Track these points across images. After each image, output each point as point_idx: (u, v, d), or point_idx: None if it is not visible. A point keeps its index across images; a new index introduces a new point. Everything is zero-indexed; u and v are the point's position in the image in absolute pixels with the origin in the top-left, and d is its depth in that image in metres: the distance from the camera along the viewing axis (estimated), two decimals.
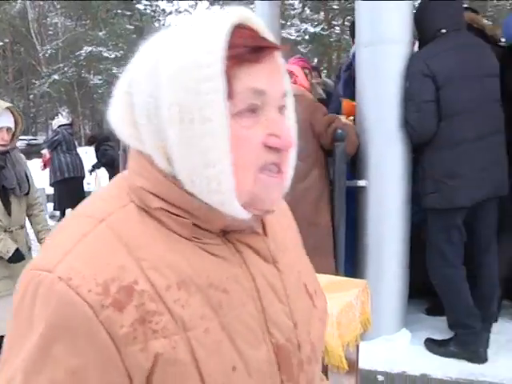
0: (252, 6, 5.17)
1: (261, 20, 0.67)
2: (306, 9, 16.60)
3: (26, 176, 2.93)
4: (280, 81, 0.67)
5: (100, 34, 22.22)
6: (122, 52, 21.86)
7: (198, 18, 0.66)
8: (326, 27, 15.38)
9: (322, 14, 15.93)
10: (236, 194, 0.63)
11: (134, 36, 22.11)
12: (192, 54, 0.62)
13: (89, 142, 9.15)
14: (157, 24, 24.09)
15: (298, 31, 14.28)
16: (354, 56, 3.42)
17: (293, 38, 14.32)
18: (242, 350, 0.66)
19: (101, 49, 22.08)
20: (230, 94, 0.62)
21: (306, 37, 13.96)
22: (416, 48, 3.27)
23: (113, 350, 0.59)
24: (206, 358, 0.63)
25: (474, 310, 2.85)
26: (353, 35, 3.43)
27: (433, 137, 2.75)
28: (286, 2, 16.48)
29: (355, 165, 3.05)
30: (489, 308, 2.95)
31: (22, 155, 3.08)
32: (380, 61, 2.85)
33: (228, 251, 0.69)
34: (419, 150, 2.87)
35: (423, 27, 2.88)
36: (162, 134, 0.63)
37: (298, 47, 15.01)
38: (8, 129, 2.74)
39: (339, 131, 2.70)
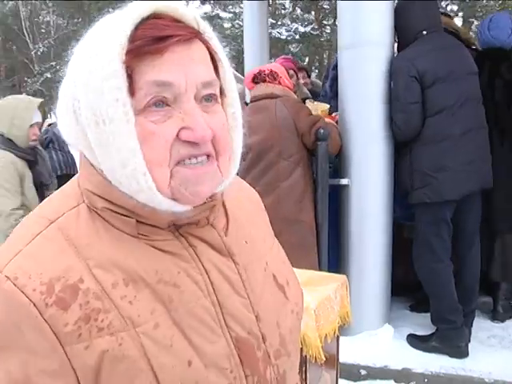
0: (242, 5, 5.21)
1: (179, 6, 0.63)
2: (296, 8, 16.62)
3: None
4: (195, 69, 0.62)
5: None
6: None
7: (113, 14, 0.64)
8: (316, 27, 15.41)
9: (313, 13, 15.96)
10: (157, 190, 0.62)
11: None
12: (97, 53, 0.61)
13: None
14: None
15: (289, 31, 14.30)
16: None
17: (283, 37, 14.34)
18: (197, 344, 0.66)
19: None
20: (133, 90, 0.60)
21: (297, 36, 13.98)
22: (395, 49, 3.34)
23: (58, 347, 0.60)
24: (158, 352, 0.63)
25: (457, 306, 2.91)
26: None
27: (420, 133, 2.82)
28: (277, 1, 16.48)
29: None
30: (471, 301, 3.02)
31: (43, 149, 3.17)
32: (361, 63, 2.90)
33: (179, 246, 0.68)
34: (406, 146, 2.93)
35: (403, 29, 2.94)
36: (86, 136, 0.63)
37: (289, 47, 15.03)
38: (38, 124, 2.83)
39: (322, 131, 2.75)
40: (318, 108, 3.60)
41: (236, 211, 0.78)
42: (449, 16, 3.70)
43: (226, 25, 22.38)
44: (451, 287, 2.91)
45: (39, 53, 24.31)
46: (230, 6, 20.53)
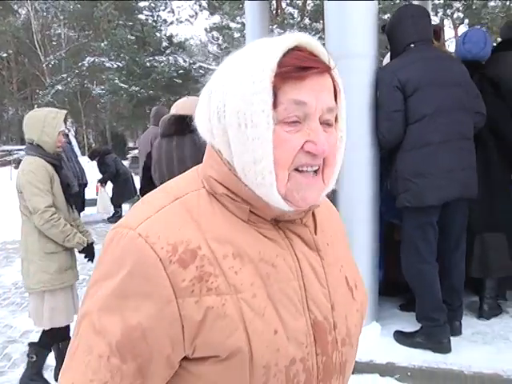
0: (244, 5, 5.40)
1: (318, 44, 0.78)
2: (305, 18, 16.81)
3: None
4: (324, 96, 0.76)
5: (102, 44, 22.44)
6: (123, 62, 22.09)
7: (262, 41, 0.79)
8: (323, 36, 15.59)
9: (321, 22, 16.16)
10: (276, 188, 0.75)
11: (136, 46, 22.35)
12: (250, 71, 0.75)
13: (92, 156, 9.37)
14: (158, 34, 24.28)
15: None
16: None
17: None
18: (284, 317, 0.77)
19: (103, 59, 22.32)
20: (276, 104, 0.74)
21: None
22: (387, 60, 3.51)
23: (173, 298, 0.72)
24: (252, 317, 0.74)
25: (441, 305, 3.05)
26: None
27: (402, 140, 2.97)
28: (286, 11, 16.69)
29: None
30: (458, 298, 3.18)
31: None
32: (347, 74, 3.01)
33: (278, 236, 0.81)
34: (393, 153, 3.07)
35: (394, 42, 3.11)
36: (226, 133, 0.77)
37: None
38: (62, 132, 3.14)
39: None
40: None
41: (323, 219, 0.91)
42: (439, 29, 3.87)
43: (236, 34, 22.59)
44: (436, 287, 3.04)
45: (50, 65, 24.71)
46: (238, 18, 20.74)
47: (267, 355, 0.75)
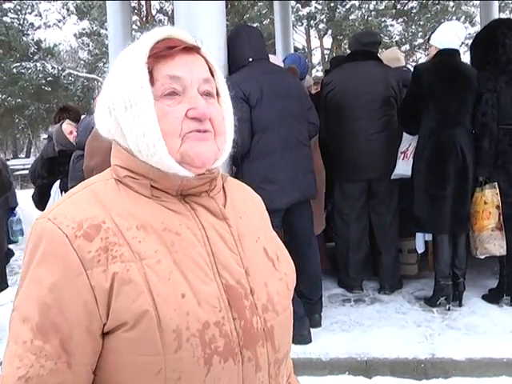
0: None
1: (187, 34, 0.88)
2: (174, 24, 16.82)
3: None
4: (197, 70, 0.85)
5: None
6: None
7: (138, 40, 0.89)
8: None
9: None
10: (168, 154, 0.81)
11: (1, 51, 20.84)
12: (127, 60, 0.85)
13: None
14: (25, 38, 22.81)
15: None
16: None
17: None
18: (192, 282, 0.79)
19: None
20: (153, 82, 0.83)
21: None
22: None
23: (82, 270, 0.76)
24: (157, 282, 0.77)
25: (295, 298, 3.19)
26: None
27: (249, 150, 3.11)
28: (156, 18, 16.54)
29: None
30: (317, 291, 3.40)
31: None
32: None
33: (184, 208, 0.86)
34: (239, 161, 3.22)
35: (233, 56, 3.25)
36: (118, 122, 0.84)
37: None
38: None
39: None
40: None
41: (235, 197, 0.96)
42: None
43: (106, 41, 21.91)
44: None
45: None
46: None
47: (176, 318, 0.76)
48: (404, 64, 4.78)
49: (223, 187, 0.95)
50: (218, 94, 0.91)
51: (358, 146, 3.80)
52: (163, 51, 0.84)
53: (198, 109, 0.82)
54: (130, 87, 0.83)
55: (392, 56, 4.61)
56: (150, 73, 0.83)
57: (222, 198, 0.93)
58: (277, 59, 3.88)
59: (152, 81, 0.83)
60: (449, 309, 3.57)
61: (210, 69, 0.89)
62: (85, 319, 0.76)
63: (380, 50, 4.94)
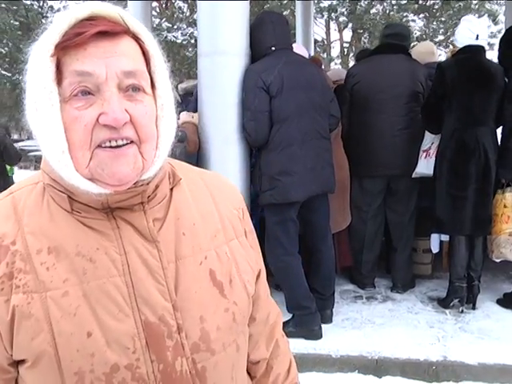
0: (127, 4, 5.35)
1: (119, 10, 0.70)
2: (194, 12, 16.72)
3: None
4: (116, 61, 0.68)
5: None
6: (6, 49, 20.58)
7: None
8: None
9: None
10: (76, 170, 0.68)
11: (20, 33, 20.89)
12: (37, 47, 0.69)
13: None
14: (44, 21, 22.86)
15: (185, 35, 14.37)
16: None
17: (179, 41, 14.40)
18: (102, 318, 0.69)
19: None
20: (60, 80, 0.67)
21: (192, 41, 14.08)
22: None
23: None
24: (60, 318, 0.68)
25: (309, 294, 3.20)
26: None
27: (268, 140, 3.07)
28: (176, 5, 16.48)
29: None
30: (330, 287, 3.36)
31: None
32: (217, 70, 3.10)
33: (108, 226, 0.73)
34: (258, 151, 3.18)
35: (257, 44, 3.19)
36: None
37: (184, 51, 15.09)
38: None
39: (179, 133, 2.90)
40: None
41: (185, 204, 0.81)
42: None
43: None
44: (302, 277, 3.19)
45: None
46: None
47: (79, 360, 0.68)
48: (437, 59, 4.58)
49: (171, 193, 0.81)
50: (153, 86, 0.74)
51: (381, 141, 3.72)
52: (70, 39, 0.66)
53: (109, 114, 0.67)
54: (34, 87, 0.69)
55: (425, 50, 4.46)
56: (59, 68, 0.68)
57: (164, 209, 0.78)
58: (301, 48, 3.79)
59: (60, 78, 0.68)
60: (462, 311, 3.52)
61: (144, 53, 0.73)
62: None
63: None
